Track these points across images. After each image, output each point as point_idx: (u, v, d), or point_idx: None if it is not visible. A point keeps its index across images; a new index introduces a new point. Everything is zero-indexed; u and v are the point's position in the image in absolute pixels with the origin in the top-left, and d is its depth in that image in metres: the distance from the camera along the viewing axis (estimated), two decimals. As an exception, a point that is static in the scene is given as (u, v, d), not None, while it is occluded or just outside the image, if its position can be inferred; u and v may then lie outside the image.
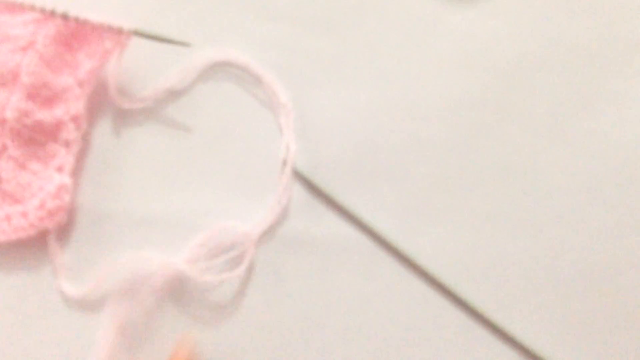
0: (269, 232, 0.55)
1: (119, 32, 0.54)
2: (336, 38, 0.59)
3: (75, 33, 0.55)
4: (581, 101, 0.59)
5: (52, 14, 0.54)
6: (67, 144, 0.55)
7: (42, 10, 0.54)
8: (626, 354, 0.54)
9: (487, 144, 0.58)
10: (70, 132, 0.55)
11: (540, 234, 0.56)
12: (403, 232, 0.55)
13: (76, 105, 0.55)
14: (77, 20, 0.54)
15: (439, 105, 0.58)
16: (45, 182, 0.54)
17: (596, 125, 0.58)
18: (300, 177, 0.56)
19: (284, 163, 0.55)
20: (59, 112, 0.55)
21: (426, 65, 0.59)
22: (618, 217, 0.57)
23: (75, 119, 0.55)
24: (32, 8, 0.54)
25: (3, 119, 0.54)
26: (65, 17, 0.54)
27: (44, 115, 0.54)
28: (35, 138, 0.54)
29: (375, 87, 0.58)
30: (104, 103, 0.57)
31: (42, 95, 0.55)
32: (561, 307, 0.55)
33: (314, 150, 0.57)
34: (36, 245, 0.54)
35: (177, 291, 0.53)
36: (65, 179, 0.54)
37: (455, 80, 0.59)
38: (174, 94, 0.58)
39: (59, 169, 0.54)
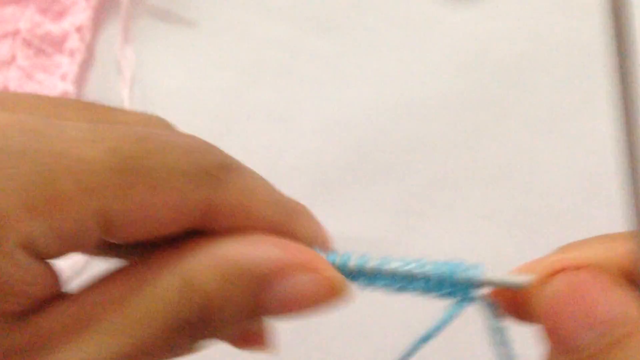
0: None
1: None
2: (336, 38, 0.59)
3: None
4: (580, 101, 0.57)
5: None
6: (71, 54, 0.57)
7: None
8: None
9: (486, 144, 0.56)
10: (74, 42, 0.57)
11: (540, 234, 0.54)
12: (402, 231, 0.54)
13: (81, 16, 0.57)
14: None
15: (438, 105, 0.57)
16: (49, 90, 0.56)
17: (595, 125, 0.56)
18: None
19: None
20: (65, 24, 0.57)
21: (426, 65, 0.58)
22: (617, 216, 0.54)
23: (79, 29, 0.57)
24: None
25: (16, 30, 0.57)
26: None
27: (53, 27, 0.57)
28: (43, 49, 0.57)
29: (374, 87, 0.58)
30: (110, 15, 0.59)
31: (53, 9, 0.58)
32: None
33: (313, 149, 0.56)
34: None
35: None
36: (68, 87, 0.56)
37: (454, 80, 0.58)
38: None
39: (63, 78, 0.57)
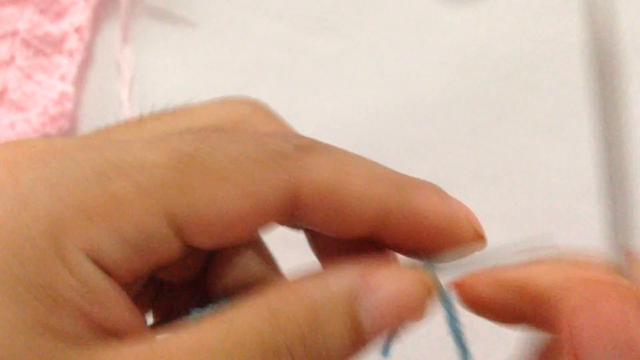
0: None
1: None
2: (336, 38, 0.59)
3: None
4: (580, 101, 0.56)
5: None
6: (70, 54, 0.57)
7: None
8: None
9: (486, 144, 0.56)
10: (73, 43, 0.57)
11: (539, 234, 0.54)
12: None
13: (80, 16, 0.57)
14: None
15: (438, 105, 0.57)
16: (49, 91, 0.56)
17: (595, 125, 0.56)
18: None
19: None
20: (65, 24, 0.57)
21: (426, 65, 0.58)
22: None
23: (79, 30, 0.57)
24: None
25: (15, 30, 0.57)
26: None
27: (52, 27, 0.57)
28: (43, 50, 0.57)
29: (374, 87, 0.58)
30: (109, 15, 0.59)
31: (52, 10, 0.58)
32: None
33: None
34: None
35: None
36: (68, 87, 0.56)
37: (454, 80, 0.58)
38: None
39: (62, 78, 0.56)
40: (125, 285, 0.26)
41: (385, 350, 0.30)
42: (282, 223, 0.29)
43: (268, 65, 0.58)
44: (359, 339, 0.27)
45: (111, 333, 0.25)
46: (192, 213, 0.25)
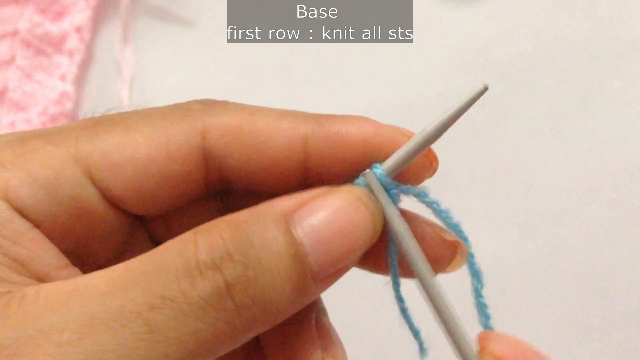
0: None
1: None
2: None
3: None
4: (580, 101, 0.57)
5: None
6: (70, 54, 0.57)
7: None
8: (624, 353, 0.52)
9: (486, 144, 0.57)
10: (74, 42, 0.57)
11: (539, 234, 0.54)
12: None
13: (81, 16, 0.57)
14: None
15: (438, 105, 0.57)
16: (49, 90, 0.56)
17: (595, 125, 0.57)
18: None
19: None
20: (65, 24, 0.57)
21: (426, 65, 0.58)
22: (616, 216, 0.55)
23: (79, 29, 0.57)
24: None
25: (15, 30, 0.57)
26: None
27: (53, 27, 0.57)
28: (43, 49, 0.57)
29: (374, 87, 0.58)
30: (110, 15, 0.59)
31: (52, 10, 0.57)
32: (559, 306, 0.53)
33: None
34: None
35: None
36: (68, 87, 0.56)
37: (455, 80, 0.58)
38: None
39: (62, 78, 0.56)
40: (67, 238, 0.27)
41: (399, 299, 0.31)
42: (209, 187, 0.29)
43: (268, 65, 0.58)
44: (302, 261, 0.26)
45: (36, 277, 0.26)
46: (100, 155, 0.27)
